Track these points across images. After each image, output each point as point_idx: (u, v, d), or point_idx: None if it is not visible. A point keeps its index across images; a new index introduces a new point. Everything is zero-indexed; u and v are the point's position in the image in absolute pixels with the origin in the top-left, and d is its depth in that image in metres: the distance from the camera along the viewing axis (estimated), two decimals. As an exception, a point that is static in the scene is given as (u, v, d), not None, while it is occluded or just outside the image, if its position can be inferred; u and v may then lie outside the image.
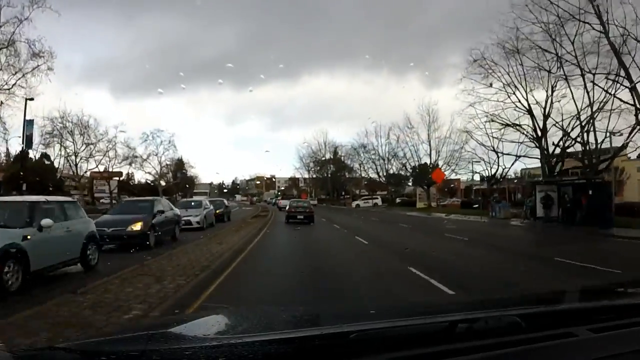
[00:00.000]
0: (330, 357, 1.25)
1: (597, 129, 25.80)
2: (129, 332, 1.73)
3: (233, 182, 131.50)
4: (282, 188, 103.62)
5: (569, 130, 27.49)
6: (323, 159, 78.29)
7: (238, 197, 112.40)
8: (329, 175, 77.84)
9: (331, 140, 77.41)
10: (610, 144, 26.16)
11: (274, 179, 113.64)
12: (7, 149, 35.65)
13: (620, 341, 1.39)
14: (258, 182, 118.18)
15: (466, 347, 1.30)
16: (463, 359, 1.25)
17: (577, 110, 26.43)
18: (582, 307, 1.78)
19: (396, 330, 1.41)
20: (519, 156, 31.91)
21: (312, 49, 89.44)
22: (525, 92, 28.87)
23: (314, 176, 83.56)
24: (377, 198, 63.56)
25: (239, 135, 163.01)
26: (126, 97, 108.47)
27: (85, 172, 43.61)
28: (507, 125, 30.36)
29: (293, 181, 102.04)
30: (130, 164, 50.02)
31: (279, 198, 69.83)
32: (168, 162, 58.67)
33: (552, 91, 27.93)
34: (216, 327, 1.63)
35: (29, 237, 7.22)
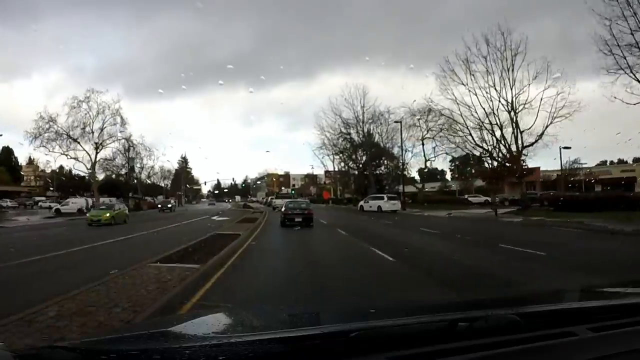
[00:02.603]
0: (330, 356, 1.25)
1: None
2: (129, 331, 1.73)
3: (244, 181, 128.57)
4: (285, 186, 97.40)
5: None
6: (359, 138, 50.18)
7: (238, 197, 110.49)
8: (361, 165, 51.28)
9: (370, 104, 48.39)
10: None
11: (281, 178, 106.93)
12: None
13: (620, 341, 1.38)
14: (259, 182, 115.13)
15: (466, 346, 1.30)
16: (463, 358, 1.25)
17: None
18: (582, 307, 1.78)
19: (396, 329, 1.41)
20: None
21: (327, 48, 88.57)
22: None
23: (342, 166, 57.13)
24: (383, 198, 38.80)
25: (253, 135, 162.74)
26: (138, 99, 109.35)
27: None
28: None
29: (310, 178, 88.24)
30: (44, 146, 35.41)
31: (272, 198, 58.96)
32: (112, 143, 40.45)
33: None
34: (216, 326, 1.63)
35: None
